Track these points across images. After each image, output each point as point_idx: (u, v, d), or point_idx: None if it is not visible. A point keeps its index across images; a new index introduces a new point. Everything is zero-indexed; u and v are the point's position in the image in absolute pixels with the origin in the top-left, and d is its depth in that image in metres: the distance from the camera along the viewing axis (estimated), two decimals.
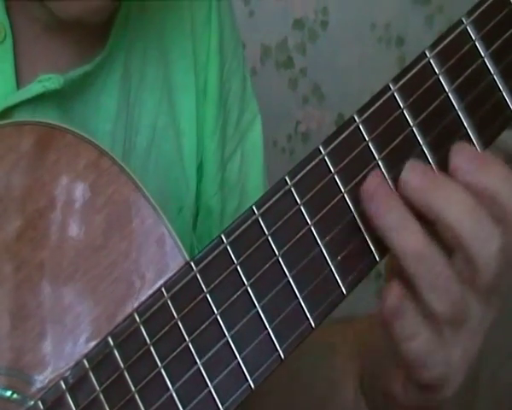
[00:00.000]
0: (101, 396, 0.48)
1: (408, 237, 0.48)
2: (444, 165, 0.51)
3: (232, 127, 0.76)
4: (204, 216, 0.76)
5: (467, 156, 0.49)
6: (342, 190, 0.50)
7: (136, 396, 0.48)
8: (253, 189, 0.78)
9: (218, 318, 0.49)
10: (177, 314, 0.49)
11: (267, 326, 0.49)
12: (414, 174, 0.49)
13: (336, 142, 0.50)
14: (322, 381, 0.66)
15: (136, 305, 0.49)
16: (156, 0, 0.70)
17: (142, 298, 0.49)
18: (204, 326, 0.48)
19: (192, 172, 0.72)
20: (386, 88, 0.51)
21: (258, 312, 0.49)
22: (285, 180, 0.50)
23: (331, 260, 0.50)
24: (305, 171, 0.50)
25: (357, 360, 0.63)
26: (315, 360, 0.66)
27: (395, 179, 0.50)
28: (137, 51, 0.69)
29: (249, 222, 0.49)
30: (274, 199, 0.50)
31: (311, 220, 0.50)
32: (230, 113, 0.76)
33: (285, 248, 0.49)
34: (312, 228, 0.50)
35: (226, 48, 0.76)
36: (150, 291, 0.49)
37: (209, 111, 0.74)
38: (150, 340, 0.48)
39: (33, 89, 0.60)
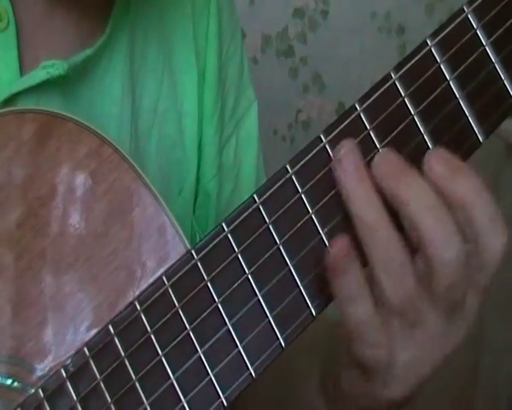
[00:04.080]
0: (102, 384, 0.48)
1: (366, 208, 0.47)
2: None
3: (229, 113, 0.76)
4: (203, 200, 0.75)
5: (443, 160, 0.48)
6: None
7: (137, 384, 0.48)
8: (246, 177, 0.77)
9: (219, 306, 0.49)
10: (178, 303, 0.49)
11: (268, 315, 0.49)
12: (386, 159, 0.49)
13: (337, 130, 0.50)
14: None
15: (137, 293, 0.49)
16: None
17: (143, 286, 0.49)
18: (205, 315, 0.48)
19: (193, 154, 0.72)
20: (388, 76, 0.51)
21: (259, 300, 0.49)
22: (286, 169, 0.50)
23: None
24: (306, 159, 0.50)
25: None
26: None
27: None
28: (139, 33, 0.69)
29: (250, 211, 0.49)
30: (275, 187, 0.50)
31: (312, 209, 0.50)
32: (227, 98, 0.76)
33: (286, 237, 0.49)
34: (313, 217, 0.50)
35: (224, 32, 0.75)
36: (151, 280, 0.50)
37: (208, 95, 0.73)
38: (151, 328, 0.48)
39: (37, 75, 0.60)
